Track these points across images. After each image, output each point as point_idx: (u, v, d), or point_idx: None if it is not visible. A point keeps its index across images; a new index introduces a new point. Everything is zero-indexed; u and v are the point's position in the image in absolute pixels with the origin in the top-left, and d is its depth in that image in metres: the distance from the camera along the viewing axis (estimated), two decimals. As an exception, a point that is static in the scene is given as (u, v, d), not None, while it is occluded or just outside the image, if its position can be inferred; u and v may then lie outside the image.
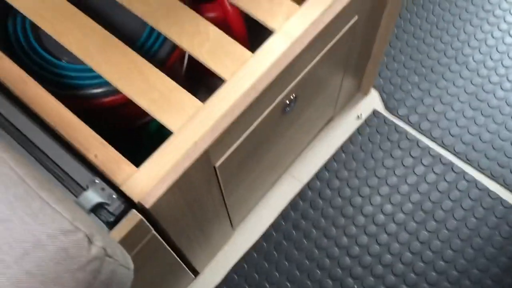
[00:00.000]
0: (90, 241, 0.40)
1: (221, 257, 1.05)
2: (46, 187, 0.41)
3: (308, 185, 1.11)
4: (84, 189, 0.59)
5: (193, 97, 0.65)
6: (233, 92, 0.65)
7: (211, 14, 0.98)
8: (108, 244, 0.42)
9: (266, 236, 1.06)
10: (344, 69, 0.95)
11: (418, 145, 1.15)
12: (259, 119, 0.71)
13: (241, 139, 0.70)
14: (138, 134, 1.00)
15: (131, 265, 0.50)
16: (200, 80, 1.13)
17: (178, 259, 0.80)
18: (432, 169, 1.13)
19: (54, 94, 0.65)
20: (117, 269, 0.44)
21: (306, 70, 0.75)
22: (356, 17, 0.79)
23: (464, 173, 1.12)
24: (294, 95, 0.76)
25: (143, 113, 0.92)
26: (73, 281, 0.38)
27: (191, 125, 0.63)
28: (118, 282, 0.44)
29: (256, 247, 1.05)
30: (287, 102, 0.76)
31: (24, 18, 0.81)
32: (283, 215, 1.08)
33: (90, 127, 0.63)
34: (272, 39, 0.68)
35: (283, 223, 1.08)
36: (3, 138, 0.57)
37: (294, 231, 1.07)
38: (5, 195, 0.39)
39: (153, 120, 0.99)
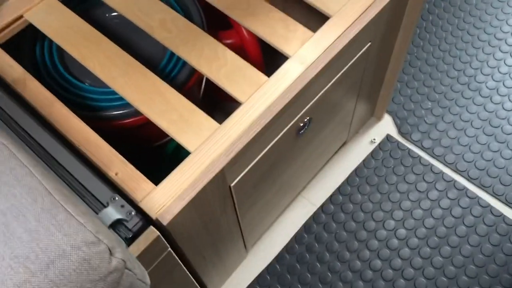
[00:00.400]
0: (111, 253, 0.42)
1: (234, 278, 1.05)
2: (71, 201, 0.44)
3: (322, 208, 1.12)
4: (105, 206, 0.61)
5: (211, 118, 0.68)
6: (249, 114, 0.67)
7: (229, 41, 1.02)
8: (127, 258, 0.44)
9: (279, 258, 1.07)
10: (357, 94, 0.97)
11: (432, 170, 1.16)
12: (274, 141, 0.73)
13: (256, 160, 0.72)
14: (155, 155, 1.03)
15: (148, 281, 0.52)
16: (216, 105, 1.16)
17: (192, 279, 0.81)
18: (446, 194, 1.13)
19: (78, 115, 0.68)
20: (135, 282, 0.46)
21: (320, 94, 0.77)
22: (369, 44, 0.81)
23: (478, 199, 1.12)
24: (308, 118, 0.78)
25: (161, 135, 0.95)
26: (94, 291, 0.40)
27: (208, 146, 0.65)
28: (135, 295, 0.46)
29: (269, 269, 1.06)
30: (301, 124, 0.78)
31: (51, 42, 0.85)
32: (297, 238, 1.09)
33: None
34: (287, 64, 0.71)
35: (297, 246, 1.08)
36: (30, 155, 0.60)
37: (307, 254, 1.07)
38: (33, 207, 0.41)
39: (170, 142, 1.02)
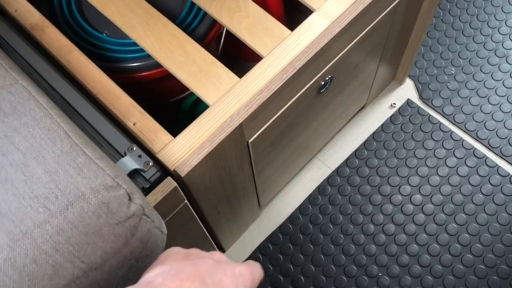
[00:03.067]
0: (130, 198, 0.41)
1: (247, 236, 1.06)
2: (90, 144, 0.43)
3: (337, 171, 1.11)
4: (122, 156, 0.60)
5: (230, 72, 0.66)
6: (270, 68, 0.65)
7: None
8: (146, 204, 0.44)
9: (292, 218, 1.07)
10: (380, 55, 0.94)
11: (451, 137, 1.13)
12: (294, 98, 0.71)
13: (275, 116, 0.70)
14: (171, 111, 1.02)
15: (165, 230, 0.51)
16: (233, 64, 1.14)
17: (206, 233, 0.81)
18: (465, 162, 1.11)
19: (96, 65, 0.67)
20: (153, 230, 0.46)
21: (343, 52, 0.74)
22: (396, 1, 0.78)
23: (498, 167, 1.10)
24: (329, 76, 0.76)
25: (178, 89, 0.94)
26: (112, 234, 0.40)
27: (227, 99, 0.64)
28: (152, 243, 0.46)
29: (282, 228, 1.06)
30: (322, 83, 0.76)
31: (68, -10, 0.83)
32: (311, 199, 1.09)
33: (129, 96, 0.64)
34: (311, 18, 0.68)
35: (310, 207, 1.08)
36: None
37: (320, 216, 1.07)
38: (52, 148, 0.40)
39: (187, 98, 1.00)
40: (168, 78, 0.74)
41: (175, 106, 1.01)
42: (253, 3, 0.71)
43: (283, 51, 0.66)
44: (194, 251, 0.39)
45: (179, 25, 0.83)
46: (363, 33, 0.76)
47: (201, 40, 0.84)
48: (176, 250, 0.38)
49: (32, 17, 0.71)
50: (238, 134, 0.64)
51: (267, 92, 0.63)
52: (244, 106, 0.63)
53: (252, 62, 0.69)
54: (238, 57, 1.12)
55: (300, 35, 0.67)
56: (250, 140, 0.69)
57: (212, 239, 0.88)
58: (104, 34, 0.82)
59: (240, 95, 0.64)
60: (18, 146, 0.40)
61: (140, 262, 0.45)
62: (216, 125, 0.62)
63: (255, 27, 0.69)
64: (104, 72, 0.67)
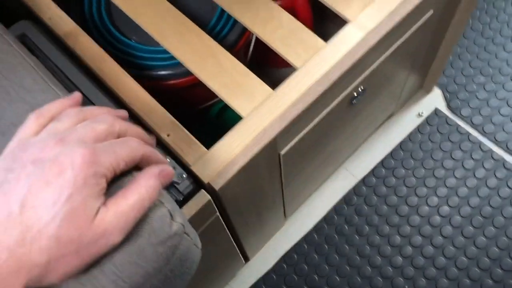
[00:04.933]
0: (172, 217, 0.41)
1: (271, 245, 1.05)
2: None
3: (364, 181, 1.10)
4: (155, 167, 0.60)
5: (264, 83, 0.65)
6: (305, 80, 0.64)
7: (278, 2, 0.98)
8: (186, 222, 0.43)
9: (318, 228, 1.06)
10: (411, 64, 0.92)
11: (480, 147, 1.11)
12: (327, 110, 0.70)
13: (308, 128, 0.69)
14: (198, 116, 1.02)
15: (200, 244, 0.51)
16: (261, 71, 1.13)
17: (233, 243, 0.81)
18: (494, 173, 1.09)
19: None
20: (191, 247, 0.45)
21: (376, 63, 0.73)
22: (431, 12, 0.76)
23: (529, 180, 1.07)
24: (362, 87, 0.75)
25: (207, 97, 0.93)
26: (154, 254, 0.39)
27: (261, 111, 0.63)
28: (191, 260, 0.45)
29: (307, 238, 1.05)
30: (355, 94, 0.75)
31: (100, -3, 0.83)
32: (336, 209, 1.07)
33: (162, 107, 0.64)
34: (346, 29, 0.67)
35: (336, 217, 1.07)
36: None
37: (346, 226, 1.06)
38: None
39: (215, 104, 1.00)
40: (197, 85, 0.73)
41: (203, 111, 1.01)
42: (287, 13, 0.70)
43: (317, 63, 0.65)
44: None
45: (209, 32, 0.82)
46: (397, 43, 0.74)
47: (231, 48, 0.83)
48: None
49: (65, 25, 0.71)
50: (271, 147, 0.63)
51: (302, 105, 0.62)
52: (277, 118, 0.62)
53: (281, 69, 0.68)
54: (266, 63, 1.12)
55: (335, 47, 0.66)
56: (282, 152, 0.68)
57: (238, 249, 0.88)
58: (132, 40, 0.82)
59: (273, 107, 0.63)
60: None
61: (178, 279, 0.44)
62: (249, 138, 0.61)
63: (289, 37, 0.68)
64: (133, 78, 0.67)
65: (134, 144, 0.38)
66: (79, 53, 0.68)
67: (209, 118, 1.01)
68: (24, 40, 0.71)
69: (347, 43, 0.66)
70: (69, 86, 0.64)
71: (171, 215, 0.41)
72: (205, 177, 0.59)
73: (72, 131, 0.36)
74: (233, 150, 0.61)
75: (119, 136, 0.38)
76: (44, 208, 0.32)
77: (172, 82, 0.81)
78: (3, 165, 0.35)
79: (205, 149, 0.61)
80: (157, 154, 0.41)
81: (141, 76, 0.81)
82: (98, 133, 0.36)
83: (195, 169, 0.59)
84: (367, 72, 0.73)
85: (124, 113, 0.43)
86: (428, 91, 1.18)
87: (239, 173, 0.60)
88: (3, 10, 0.71)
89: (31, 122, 0.38)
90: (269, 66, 1.12)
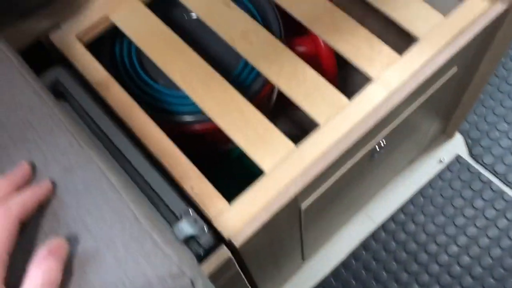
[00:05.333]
0: (193, 286, 0.42)
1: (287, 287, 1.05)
2: (157, 227, 0.44)
3: (383, 226, 1.09)
4: (177, 218, 0.61)
5: (287, 138, 0.67)
6: (327, 137, 0.65)
7: (302, 48, 1.00)
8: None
9: (335, 273, 1.05)
10: (434, 116, 0.93)
11: (503, 197, 1.10)
12: (349, 164, 0.71)
13: (329, 183, 0.70)
14: (218, 158, 1.03)
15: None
16: (282, 110, 1.14)
17: (250, 289, 0.81)
18: (517, 224, 1.07)
19: (150, 117, 0.68)
20: (211, 311, 0.46)
21: (400, 118, 0.74)
22: (455, 69, 0.77)
23: (552, 233, 1.05)
24: (385, 141, 0.76)
25: (228, 141, 0.95)
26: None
27: (283, 167, 0.64)
28: (210, 323, 0.46)
29: (324, 283, 1.05)
30: (377, 148, 0.75)
31: (130, 42, 0.86)
32: (354, 254, 1.07)
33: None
34: (369, 87, 0.68)
35: (354, 262, 1.06)
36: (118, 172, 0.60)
37: (364, 272, 1.05)
38: (122, 233, 0.41)
39: (235, 148, 1.01)
40: (220, 131, 0.75)
41: (224, 154, 1.02)
42: (311, 70, 0.71)
43: (340, 121, 0.66)
44: None
45: (234, 80, 0.84)
46: (421, 99, 0.75)
47: (254, 96, 0.85)
48: None
49: (97, 73, 0.74)
50: (293, 203, 0.64)
51: (324, 162, 0.63)
52: (299, 175, 0.63)
53: (302, 112, 0.68)
54: (287, 105, 1.13)
55: (358, 105, 0.67)
56: (303, 208, 0.69)
57: (254, 293, 0.88)
58: (159, 83, 0.84)
59: (296, 163, 0.64)
60: (90, 229, 0.41)
61: None
62: (271, 193, 0.62)
63: (312, 94, 0.69)
64: (157, 122, 0.68)
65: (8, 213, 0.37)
66: (110, 103, 0.70)
67: (230, 160, 1.02)
68: (56, 86, 0.74)
69: (370, 101, 0.67)
70: (99, 135, 0.67)
71: (192, 284, 0.42)
72: (226, 233, 0.60)
73: None
74: (254, 205, 0.62)
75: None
76: None
77: (196, 127, 0.83)
78: None
79: (227, 204, 0.62)
80: (28, 197, 0.40)
81: (166, 119, 0.83)
82: None
83: (217, 223, 0.61)
84: (390, 128, 0.73)
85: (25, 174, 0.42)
86: (450, 136, 1.18)
87: (260, 229, 0.61)
88: (39, 56, 0.74)
89: None
90: (291, 108, 1.14)
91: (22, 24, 0.77)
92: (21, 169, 0.43)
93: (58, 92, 0.74)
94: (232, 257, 0.59)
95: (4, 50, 0.55)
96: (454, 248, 1.06)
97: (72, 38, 0.77)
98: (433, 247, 1.07)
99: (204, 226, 0.60)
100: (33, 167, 0.45)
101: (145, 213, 0.44)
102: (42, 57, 0.78)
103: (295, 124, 1.12)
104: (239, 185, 0.70)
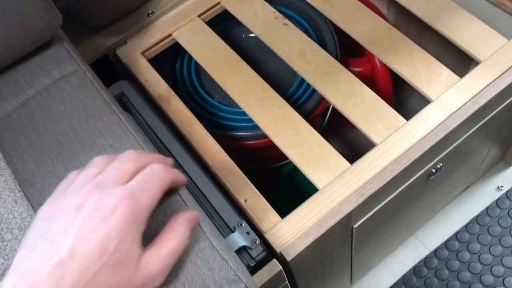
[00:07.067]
0: (249, 294, 0.43)
1: (334, 310, 1.03)
2: (215, 233, 0.45)
3: (435, 253, 1.06)
4: (231, 230, 0.62)
5: (342, 157, 0.67)
6: (383, 157, 0.65)
7: (358, 69, 1.00)
8: (261, 298, 0.45)
9: (384, 298, 1.03)
10: (493, 140, 0.90)
11: None
12: (404, 186, 0.70)
13: (383, 203, 0.69)
14: (269, 174, 1.04)
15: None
16: (334, 128, 1.14)
17: (298, 308, 0.81)
18: None
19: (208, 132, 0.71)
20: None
21: (458, 141, 0.73)
22: (518, 92, 0.75)
23: None
24: (441, 164, 0.74)
25: (280, 157, 0.96)
26: (230, 329, 0.41)
27: (337, 185, 0.64)
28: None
29: (372, 307, 1.02)
30: (433, 171, 0.74)
31: (190, 59, 0.89)
32: (405, 279, 1.04)
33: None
34: (428, 108, 0.68)
35: (404, 288, 1.04)
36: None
37: (414, 299, 1.02)
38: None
39: (287, 164, 1.02)
40: (273, 146, 0.76)
41: (276, 169, 1.03)
42: (369, 89, 0.72)
43: (397, 141, 0.66)
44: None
45: (289, 98, 0.86)
46: (481, 123, 0.74)
47: (309, 114, 0.86)
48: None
49: (160, 87, 0.77)
50: (346, 221, 0.64)
51: (379, 182, 0.63)
52: (354, 194, 0.63)
53: (355, 130, 0.68)
54: (340, 124, 1.13)
55: (416, 126, 0.66)
56: (355, 226, 0.69)
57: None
58: (215, 99, 0.87)
59: (350, 182, 0.64)
60: (150, 226, 0.43)
61: None
62: (324, 210, 0.62)
63: (369, 113, 0.69)
64: (214, 137, 0.70)
65: (162, 173, 0.39)
66: (171, 116, 0.73)
67: (281, 176, 1.03)
68: (121, 99, 0.78)
69: (428, 123, 0.66)
70: (160, 148, 0.69)
71: (248, 292, 0.42)
72: (277, 247, 0.60)
73: (104, 174, 0.37)
74: (307, 221, 0.62)
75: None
76: (93, 257, 0.33)
77: (250, 142, 0.85)
78: (45, 215, 0.37)
79: (280, 218, 0.63)
80: (178, 174, 0.42)
81: (221, 135, 0.85)
82: (128, 172, 0.38)
83: (269, 237, 0.61)
84: (447, 151, 0.72)
85: (170, 160, 0.44)
86: (509, 163, 1.14)
87: (312, 244, 0.61)
88: (106, 71, 0.78)
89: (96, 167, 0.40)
90: (343, 126, 1.13)
91: (93, 40, 0.83)
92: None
93: (122, 104, 0.78)
94: (283, 271, 0.59)
95: (79, 63, 0.59)
96: (511, 281, 1.01)
97: (137, 54, 0.82)
98: (489, 279, 1.02)
99: (257, 239, 0.61)
100: None
101: (204, 219, 0.46)
102: (109, 71, 0.83)
103: (346, 143, 1.12)
104: (289, 201, 0.71)
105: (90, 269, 0.33)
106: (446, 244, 1.06)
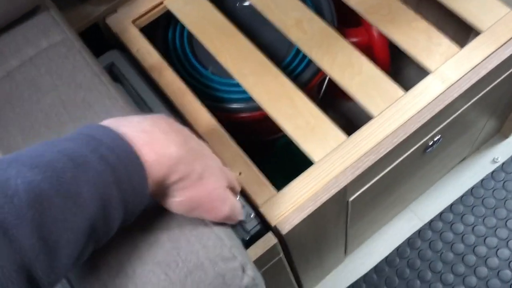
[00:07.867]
0: (243, 270, 0.42)
1: (329, 281, 1.04)
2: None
3: (430, 225, 1.06)
4: (225, 204, 0.61)
5: (338, 129, 0.66)
6: (380, 130, 0.64)
7: (355, 39, 0.98)
8: (256, 274, 0.44)
9: (378, 269, 1.04)
10: (491, 112, 0.89)
11: (561, 201, 1.05)
12: (400, 159, 0.69)
13: (379, 176, 0.69)
14: (264, 146, 1.03)
15: (265, 290, 0.52)
16: (330, 101, 1.13)
17: (293, 280, 0.81)
18: None
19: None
20: (259, 297, 0.46)
21: (456, 113, 0.71)
22: (518, 63, 0.73)
23: None
24: (438, 136, 0.73)
25: (275, 130, 0.95)
26: (225, 306, 0.40)
27: (333, 158, 0.63)
28: (257, 309, 0.46)
29: (366, 278, 1.03)
30: (430, 143, 0.73)
31: (182, 28, 0.86)
32: (399, 251, 1.05)
33: (236, 145, 0.66)
34: (426, 80, 0.66)
35: (398, 259, 1.04)
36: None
37: (408, 270, 1.03)
38: (176, 214, 0.42)
39: (281, 136, 1.01)
40: (267, 119, 0.75)
41: (270, 142, 1.02)
42: (367, 60, 0.70)
43: (395, 113, 0.64)
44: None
45: (284, 69, 0.83)
46: (479, 95, 0.72)
47: (304, 86, 0.84)
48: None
49: (151, 57, 0.75)
50: (341, 194, 0.63)
51: (376, 155, 0.62)
52: (349, 167, 0.62)
53: (351, 103, 0.67)
54: (335, 95, 1.12)
55: (414, 98, 0.65)
56: (350, 199, 0.68)
57: (295, 282, 0.88)
58: (209, 70, 0.85)
59: (346, 155, 0.63)
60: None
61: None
62: (320, 184, 0.61)
63: (367, 85, 0.68)
64: (207, 109, 0.69)
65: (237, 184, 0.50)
66: (163, 87, 0.71)
67: (275, 149, 1.02)
68: (112, 69, 0.76)
69: (427, 95, 0.65)
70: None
71: (242, 268, 0.42)
72: (272, 220, 0.60)
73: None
74: (302, 195, 0.61)
75: None
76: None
77: (245, 115, 0.83)
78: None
79: (275, 191, 0.62)
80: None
81: (214, 107, 0.83)
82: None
83: (264, 210, 0.60)
84: (445, 123, 0.71)
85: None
86: (506, 136, 1.13)
87: (307, 218, 0.61)
88: (96, 40, 0.75)
89: None
90: (339, 98, 1.12)
91: (81, 8, 0.79)
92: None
93: (113, 75, 0.76)
94: (278, 244, 0.59)
95: (67, 32, 0.57)
96: (505, 252, 1.02)
97: (127, 23, 0.79)
98: (482, 250, 1.03)
99: (252, 213, 0.61)
100: None
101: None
102: (98, 40, 0.80)
103: (343, 115, 1.10)
104: (284, 173, 0.70)
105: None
106: (440, 215, 1.07)
